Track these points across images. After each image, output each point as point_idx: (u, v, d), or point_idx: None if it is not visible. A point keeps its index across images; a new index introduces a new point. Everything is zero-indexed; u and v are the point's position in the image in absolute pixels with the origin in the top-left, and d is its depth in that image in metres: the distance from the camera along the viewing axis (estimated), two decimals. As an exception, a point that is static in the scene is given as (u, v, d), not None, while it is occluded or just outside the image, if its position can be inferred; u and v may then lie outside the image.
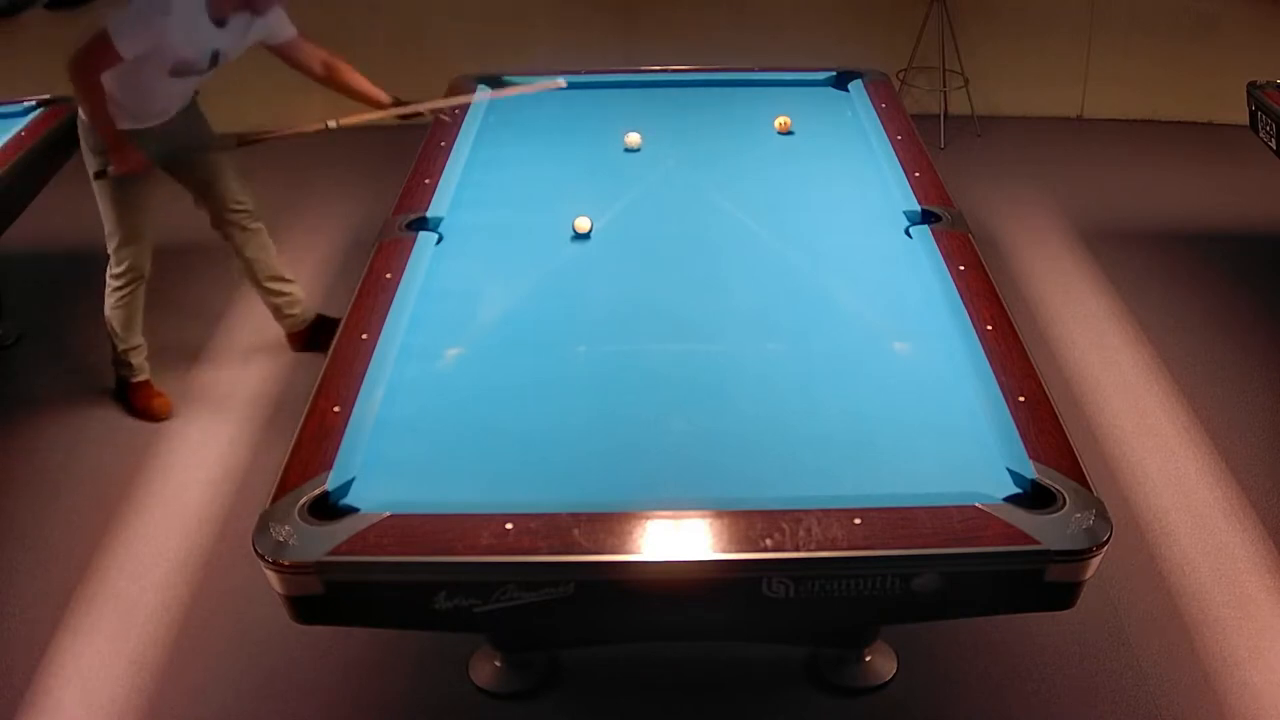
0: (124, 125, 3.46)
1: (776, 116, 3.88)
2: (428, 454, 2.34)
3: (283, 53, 3.70)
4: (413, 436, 2.38)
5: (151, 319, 3.84)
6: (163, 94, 3.52)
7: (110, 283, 3.71)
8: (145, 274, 3.72)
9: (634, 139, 3.72)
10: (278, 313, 4.08)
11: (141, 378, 3.84)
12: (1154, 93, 6.07)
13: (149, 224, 3.68)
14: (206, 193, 3.81)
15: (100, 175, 3.52)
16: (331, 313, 4.07)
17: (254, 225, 3.90)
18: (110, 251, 3.67)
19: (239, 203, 3.85)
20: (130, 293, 3.72)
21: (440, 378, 2.62)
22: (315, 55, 3.74)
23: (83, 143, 3.59)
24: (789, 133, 3.84)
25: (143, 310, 3.78)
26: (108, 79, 3.36)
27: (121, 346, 3.78)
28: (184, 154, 3.68)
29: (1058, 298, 4.48)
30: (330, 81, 3.76)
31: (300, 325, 4.11)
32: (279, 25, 3.62)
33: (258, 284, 4.01)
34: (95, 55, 3.29)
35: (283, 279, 4.03)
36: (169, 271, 3.88)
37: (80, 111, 3.51)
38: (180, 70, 3.42)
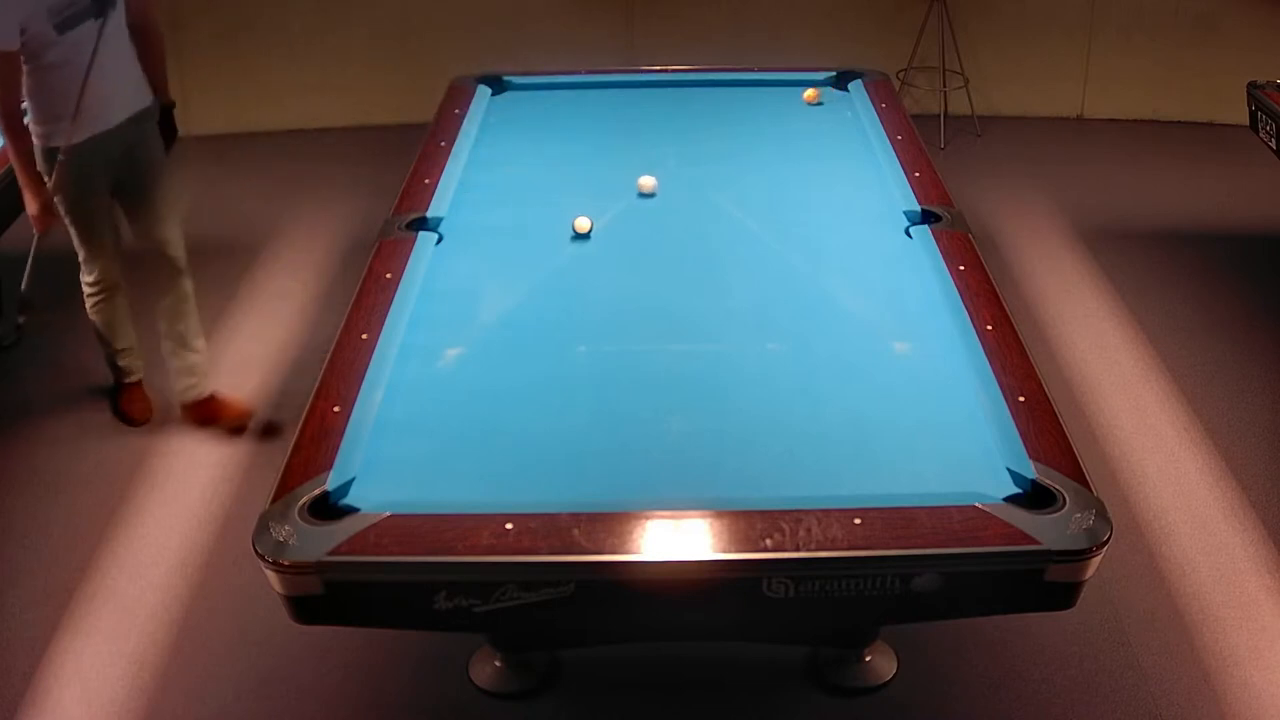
0: (75, 137, 3.29)
1: (805, 90, 4.05)
2: (428, 454, 2.34)
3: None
4: (413, 436, 2.38)
5: (152, 318, 3.83)
6: (75, 68, 3.24)
7: (85, 288, 3.64)
8: (118, 282, 3.63)
9: (648, 183, 3.38)
10: (173, 375, 3.75)
11: (131, 379, 3.82)
12: (1154, 93, 6.07)
13: (112, 236, 3.57)
14: (146, 230, 3.61)
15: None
16: (330, 314, 4.06)
17: (179, 276, 3.66)
18: (80, 261, 3.60)
19: (173, 253, 3.64)
20: (104, 300, 3.64)
21: (440, 378, 2.62)
22: (146, 15, 3.47)
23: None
24: (819, 103, 3.97)
25: (128, 315, 3.73)
26: (27, 95, 3.24)
27: (107, 349, 3.76)
28: (137, 174, 3.53)
29: (1058, 298, 4.48)
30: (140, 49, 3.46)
31: (193, 397, 3.74)
32: None
33: (163, 336, 3.73)
34: None
35: (187, 344, 3.71)
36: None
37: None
38: (64, 21, 3.17)
